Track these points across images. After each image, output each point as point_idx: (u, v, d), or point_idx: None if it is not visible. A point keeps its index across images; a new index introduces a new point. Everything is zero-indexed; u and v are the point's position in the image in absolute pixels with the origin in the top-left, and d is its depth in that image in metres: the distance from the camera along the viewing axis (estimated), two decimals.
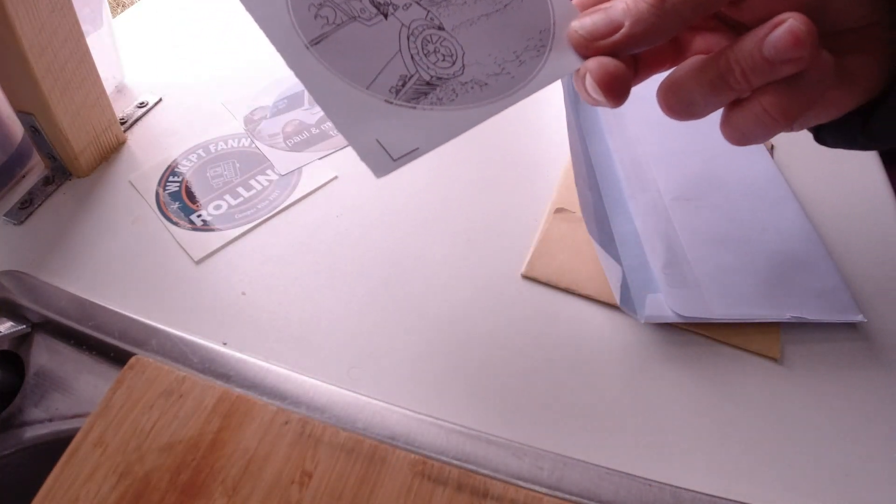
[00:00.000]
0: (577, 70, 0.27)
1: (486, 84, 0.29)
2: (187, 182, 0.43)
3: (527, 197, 0.43)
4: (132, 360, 0.31)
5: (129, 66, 0.51)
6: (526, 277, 0.38)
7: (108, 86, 0.48)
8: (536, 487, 0.28)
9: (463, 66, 0.29)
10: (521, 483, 0.28)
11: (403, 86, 0.28)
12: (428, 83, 0.29)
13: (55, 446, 0.30)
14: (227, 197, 0.42)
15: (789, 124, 0.25)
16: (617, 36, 0.26)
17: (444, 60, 0.29)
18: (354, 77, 0.28)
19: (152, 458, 0.28)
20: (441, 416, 0.31)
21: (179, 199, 0.42)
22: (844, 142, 0.30)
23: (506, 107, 0.28)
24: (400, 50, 0.29)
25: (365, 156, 0.26)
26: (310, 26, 0.29)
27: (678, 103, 0.26)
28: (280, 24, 0.29)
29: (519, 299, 0.37)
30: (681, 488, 0.29)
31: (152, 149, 0.45)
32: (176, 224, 0.40)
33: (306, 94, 0.49)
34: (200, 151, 0.45)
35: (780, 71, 0.23)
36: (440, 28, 0.29)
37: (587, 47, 0.27)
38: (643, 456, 0.30)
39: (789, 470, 0.30)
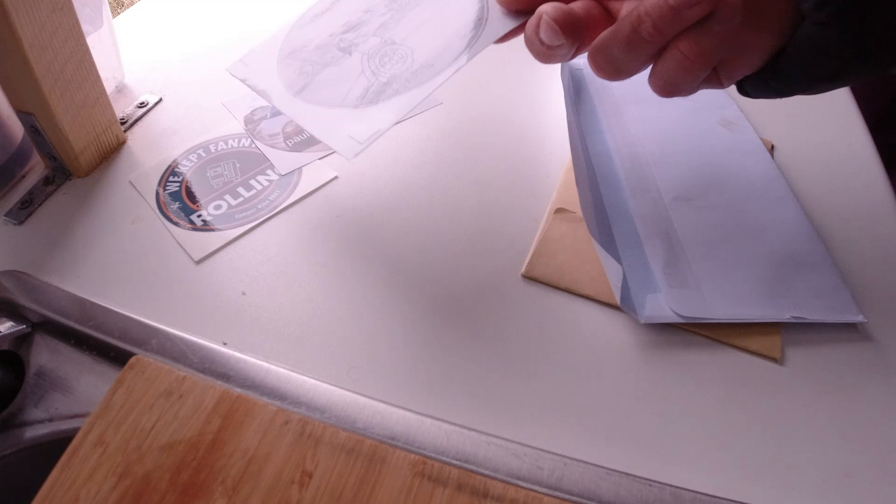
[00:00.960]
0: (531, 22, 0.30)
1: (432, 65, 0.34)
2: (187, 182, 0.43)
3: (527, 197, 0.43)
4: (132, 360, 0.31)
5: (129, 66, 0.51)
6: (526, 277, 0.38)
7: (109, 86, 0.48)
8: (536, 487, 0.28)
9: (412, 60, 0.35)
10: (521, 483, 0.28)
11: (366, 94, 0.35)
12: (385, 83, 0.34)
13: (55, 446, 0.30)
14: (228, 197, 0.42)
15: (708, 67, 0.26)
16: None
17: (397, 63, 0.35)
18: (330, 102, 0.35)
19: (152, 458, 0.28)
20: (441, 416, 0.31)
21: (179, 199, 0.42)
22: (761, 90, 0.31)
23: (448, 77, 0.33)
24: (363, 71, 0.35)
25: (338, 148, 0.33)
26: (295, 82, 0.37)
27: (605, 63, 0.28)
28: (273, 88, 0.37)
29: (519, 299, 0.37)
30: (681, 488, 0.29)
31: (152, 149, 0.45)
32: (176, 224, 0.40)
33: None
34: (201, 151, 0.45)
35: (687, 16, 0.25)
36: (393, 43, 0.36)
37: None
38: (643, 456, 0.30)
39: (789, 470, 0.30)
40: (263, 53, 0.40)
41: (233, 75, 0.40)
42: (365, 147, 0.33)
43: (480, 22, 0.34)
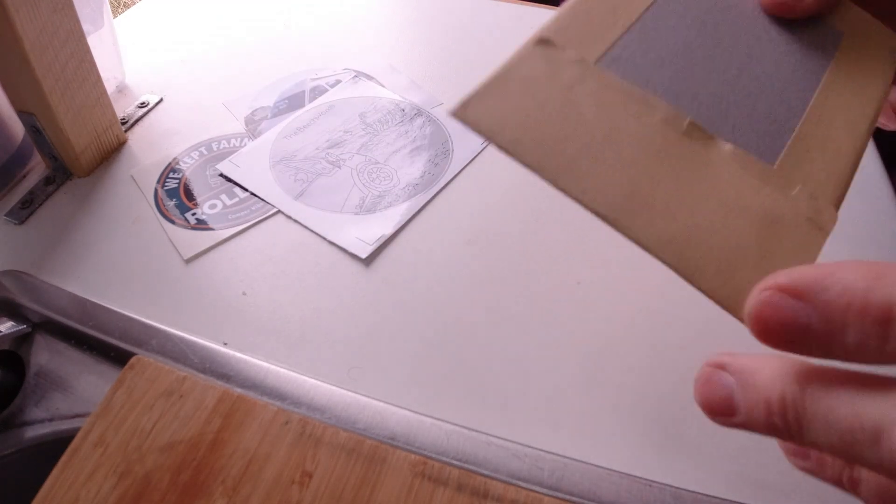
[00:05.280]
0: None
1: (417, 184, 0.42)
2: (186, 179, 0.43)
3: (527, 197, 0.42)
4: (133, 360, 0.31)
5: (129, 66, 0.51)
6: (455, 117, 0.28)
7: (109, 86, 0.48)
8: (536, 488, 0.28)
9: (398, 179, 0.42)
10: (521, 483, 0.28)
11: (363, 203, 0.41)
12: (378, 196, 0.41)
13: (55, 446, 0.30)
14: (223, 196, 0.42)
15: None
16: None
17: (384, 181, 0.42)
18: (330, 208, 0.41)
19: (153, 458, 0.28)
20: (441, 416, 0.31)
21: (177, 197, 0.42)
22: None
23: (433, 193, 0.42)
24: (355, 183, 0.42)
25: (350, 247, 0.39)
26: (292, 187, 0.42)
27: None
28: (274, 192, 0.42)
29: (520, 300, 0.37)
30: (681, 489, 0.29)
31: (153, 149, 0.45)
32: (172, 222, 0.40)
33: (307, 95, 0.49)
34: (203, 149, 0.45)
35: None
36: (377, 162, 0.43)
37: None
38: (643, 456, 0.30)
39: (789, 470, 0.30)
40: (252, 156, 0.44)
41: (224, 175, 0.43)
42: (374, 248, 0.38)
43: (448, 152, 0.43)
